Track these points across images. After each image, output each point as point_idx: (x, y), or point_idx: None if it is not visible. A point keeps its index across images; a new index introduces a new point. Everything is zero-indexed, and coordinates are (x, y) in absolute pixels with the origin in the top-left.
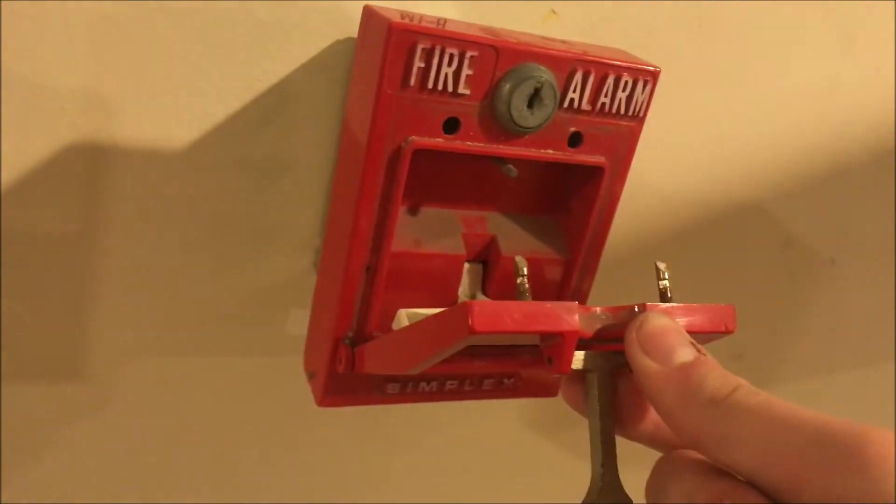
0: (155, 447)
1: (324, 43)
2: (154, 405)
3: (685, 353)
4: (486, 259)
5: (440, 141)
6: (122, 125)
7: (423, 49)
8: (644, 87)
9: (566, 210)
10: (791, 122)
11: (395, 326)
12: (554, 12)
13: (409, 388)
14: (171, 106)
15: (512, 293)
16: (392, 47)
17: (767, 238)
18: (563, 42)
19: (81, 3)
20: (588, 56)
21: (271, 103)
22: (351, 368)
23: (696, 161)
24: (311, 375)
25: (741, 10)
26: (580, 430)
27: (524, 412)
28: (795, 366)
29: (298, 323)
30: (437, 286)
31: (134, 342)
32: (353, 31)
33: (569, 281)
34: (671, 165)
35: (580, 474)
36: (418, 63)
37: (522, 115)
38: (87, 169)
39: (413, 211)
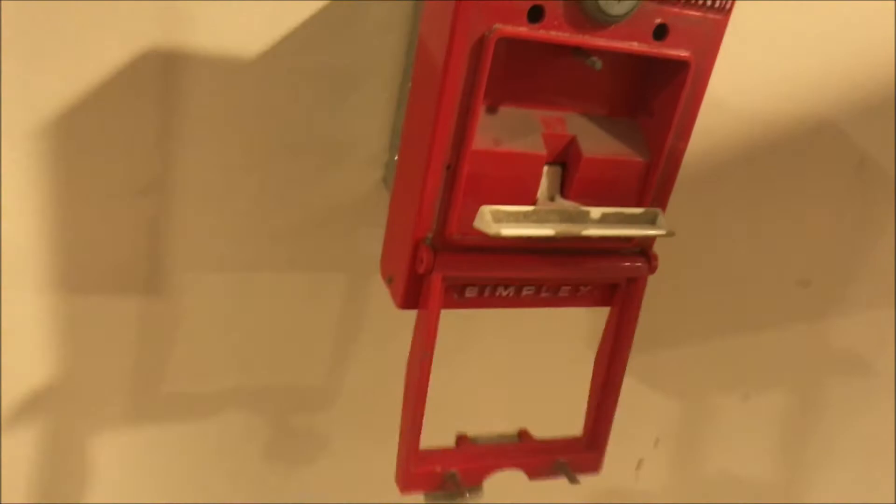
0: (226, 362)
1: None
2: (226, 320)
3: None
4: (566, 160)
5: (524, 30)
6: (195, 33)
7: None
8: None
9: (647, 111)
10: (868, 38)
11: (477, 223)
12: None
13: (487, 293)
14: (243, 13)
15: (596, 198)
16: None
17: (841, 160)
18: None
19: None
20: None
21: (342, 12)
22: (431, 269)
23: (769, 77)
24: (389, 280)
25: None
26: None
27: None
28: (862, 295)
29: (367, 240)
30: (516, 186)
31: (206, 256)
32: None
33: (649, 185)
34: (743, 81)
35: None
36: None
37: (609, 3)
38: (160, 77)
39: (492, 109)
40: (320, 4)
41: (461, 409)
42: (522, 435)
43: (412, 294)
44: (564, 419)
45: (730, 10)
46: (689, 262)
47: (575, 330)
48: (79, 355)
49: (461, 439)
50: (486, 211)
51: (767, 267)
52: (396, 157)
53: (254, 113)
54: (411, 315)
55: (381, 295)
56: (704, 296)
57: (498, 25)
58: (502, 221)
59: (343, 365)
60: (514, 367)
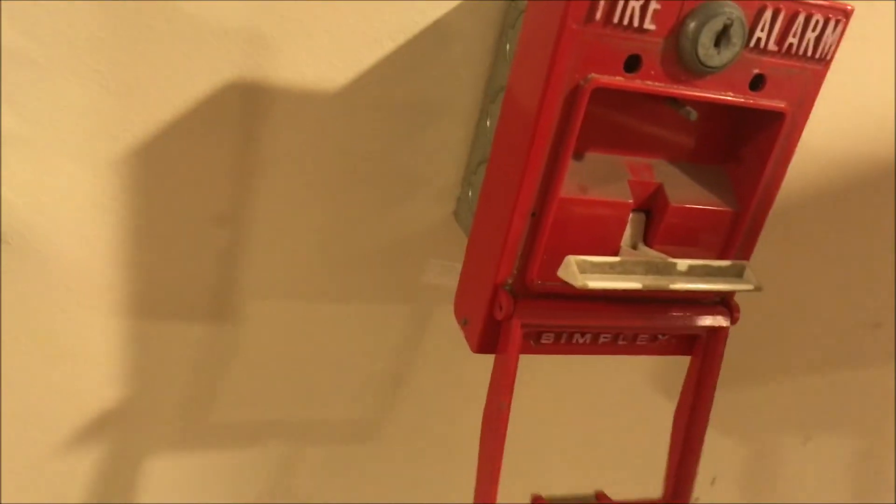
0: (282, 389)
1: None
2: (286, 348)
3: None
4: (651, 208)
5: (620, 79)
6: (281, 65)
7: None
8: (835, 27)
9: (737, 160)
10: None
11: (562, 273)
12: None
13: (564, 339)
14: (329, 46)
15: (680, 246)
16: None
17: None
18: None
19: None
20: None
21: (424, 46)
22: (511, 316)
23: (866, 120)
24: (464, 322)
25: None
26: None
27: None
28: None
29: (436, 272)
30: (600, 233)
31: (274, 286)
32: None
33: (737, 234)
34: (823, 124)
35: None
36: None
37: (708, 53)
38: (242, 108)
39: (579, 156)
40: (402, 41)
41: (529, 449)
42: (600, 496)
43: (488, 338)
44: (636, 466)
45: (830, 59)
46: (757, 302)
47: (643, 366)
48: (142, 377)
49: (536, 500)
50: (573, 261)
51: (837, 308)
52: (470, 193)
53: (331, 146)
54: (467, 349)
55: (443, 327)
56: (768, 334)
57: (594, 75)
58: (588, 272)
59: (397, 396)
60: (583, 407)
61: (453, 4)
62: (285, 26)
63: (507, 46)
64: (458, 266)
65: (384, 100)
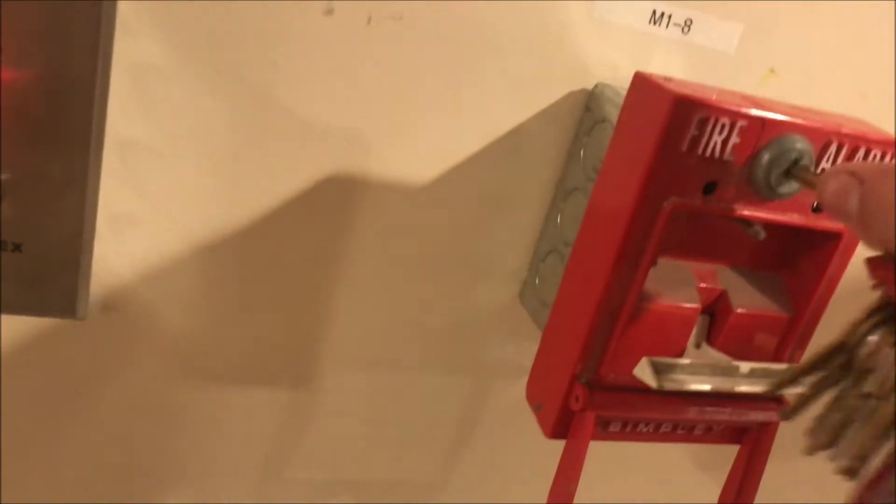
0: (351, 452)
1: (559, 94)
2: (359, 413)
3: None
4: (714, 311)
5: (698, 203)
6: (374, 160)
7: (700, 118)
8: (884, 158)
9: (794, 270)
10: None
11: (637, 373)
12: (772, 71)
13: (629, 428)
14: (419, 146)
15: (739, 348)
16: (674, 115)
17: None
18: (817, 113)
19: (353, 49)
20: (843, 130)
21: (505, 147)
22: (586, 407)
23: None
24: (537, 407)
25: None
26: None
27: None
28: None
29: (499, 349)
30: (668, 334)
31: (356, 354)
32: (586, 83)
33: (790, 339)
34: None
35: None
36: (693, 131)
37: (779, 182)
38: (339, 197)
39: (652, 261)
40: (485, 143)
41: None
42: None
43: (561, 425)
44: None
45: None
46: None
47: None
48: (224, 437)
49: None
50: (647, 363)
51: None
52: (537, 280)
53: (412, 233)
54: (525, 421)
55: (501, 398)
56: None
57: (675, 198)
58: (661, 373)
59: (456, 462)
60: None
61: (533, 112)
62: (380, 126)
63: (581, 152)
64: (523, 344)
65: (464, 193)
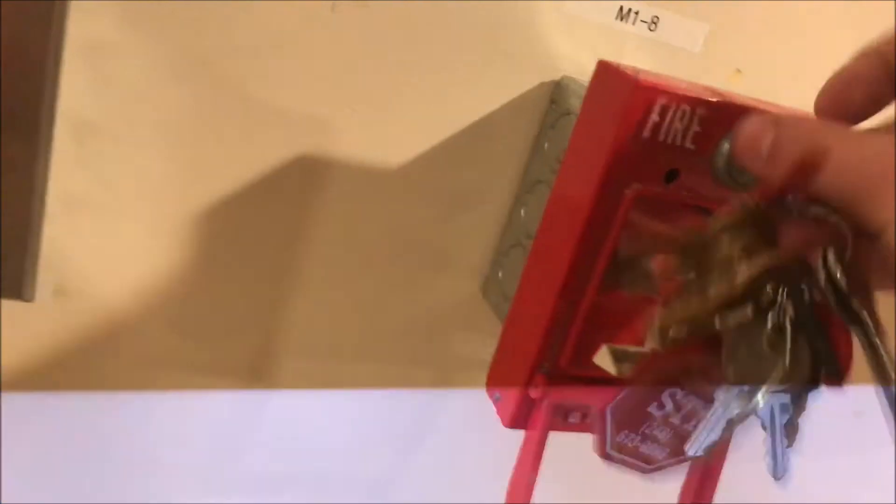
0: (323, 444)
1: (526, 86)
2: (325, 404)
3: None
4: None
5: (660, 190)
6: (339, 149)
7: (661, 105)
8: None
9: None
10: None
11: (598, 360)
12: (739, 72)
13: (590, 419)
14: (384, 134)
15: None
16: (635, 101)
17: None
18: (779, 108)
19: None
20: None
21: (471, 138)
22: (545, 397)
23: None
24: (497, 398)
25: None
26: None
27: None
28: None
29: (460, 343)
30: (630, 325)
31: (315, 344)
32: (553, 76)
33: None
34: None
35: None
36: (654, 117)
37: (739, 171)
38: (302, 181)
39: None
40: (455, 129)
41: None
42: None
43: (520, 415)
44: None
45: None
46: None
47: None
48: (179, 427)
49: None
50: (607, 350)
51: None
52: (500, 273)
53: (376, 221)
54: (486, 414)
55: (463, 392)
56: None
57: (637, 184)
58: (620, 361)
59: (415, 455)
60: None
61: (499, 104)
62: (344, 113)
63: (546, 145)
64: (485, 338)
65: (428, 184)
